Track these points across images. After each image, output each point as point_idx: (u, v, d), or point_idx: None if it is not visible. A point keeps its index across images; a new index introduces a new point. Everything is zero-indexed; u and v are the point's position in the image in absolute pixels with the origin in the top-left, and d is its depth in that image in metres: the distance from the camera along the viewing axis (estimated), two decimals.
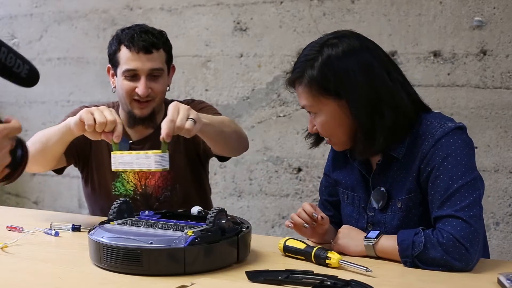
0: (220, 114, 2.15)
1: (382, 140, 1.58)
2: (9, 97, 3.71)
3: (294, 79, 1.63)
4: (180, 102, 2.21)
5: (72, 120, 1.80)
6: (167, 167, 1.67)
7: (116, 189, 2.20)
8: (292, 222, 1.67)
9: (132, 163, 1.67)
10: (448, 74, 2.74)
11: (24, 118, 3.70)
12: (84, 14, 3.51)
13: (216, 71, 3.20)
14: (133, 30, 2.10)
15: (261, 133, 3.12)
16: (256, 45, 3.09)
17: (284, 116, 3.07)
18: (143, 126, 2.16)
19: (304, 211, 1.65)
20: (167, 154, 1.67)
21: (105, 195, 2.21)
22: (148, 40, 2.07)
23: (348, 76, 1.56)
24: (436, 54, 2.75)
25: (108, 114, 1.73)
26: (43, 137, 1.96)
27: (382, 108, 1.57)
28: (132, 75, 2.08)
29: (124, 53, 2.08)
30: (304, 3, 2.98)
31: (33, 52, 3.65)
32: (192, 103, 2.18)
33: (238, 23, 3.13)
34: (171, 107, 1.68)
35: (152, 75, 2.09)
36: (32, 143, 1.96)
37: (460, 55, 2.71)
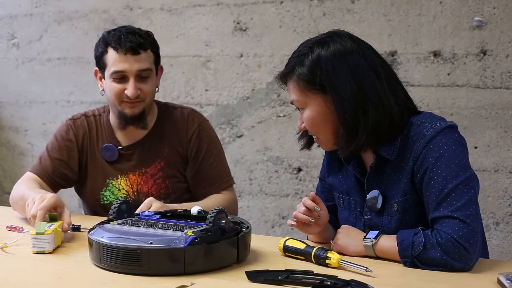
0: (222, 163, 2.19)
1: (364, 138, 1.59)
2: (9, 97, 3.71)
3: (284, 74, 1.66)
4: (193, 115, 2.22)
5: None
6: (46, 249, 1.65)
7: (105, 198, 2.19)
8: (295, 220, 1.66)
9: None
10: (448, 74, 2.74)
11: (24, 118, 3.70)
12: (84, 14, 3.51)
13: (216, 71, 3.20)
14: (120, 32, 2.08)
15: (261, 133, 3.12)
16: (256, 45, 3.09)
17: (284, 116, 3.07)
18: (133, 125, 2.14)
19: (306, 206, 1.64)
20: (46, 236, 1.65)
21: (95, 205, 2.22)
22: (135, 40, 2.05)
23: (335, 74, 1.58)
24: (436, 54, 2.75)
25: (33, 209, 1.79)
26: (21, 201, 1.99)
27: (366, 106, 1.58)
28: (121, 77, 2.06)
29: (111, 55, 2.06)
30: (304, 3, 2.98)
31: (33, 52, 3.65)
32: (199, 134, 2.19)
33: (238, 23, 3.13)
34: None
35: (141, 76, 2.07)
36: (14, 202, 2.08)
37: (460, 55, 2.71)
